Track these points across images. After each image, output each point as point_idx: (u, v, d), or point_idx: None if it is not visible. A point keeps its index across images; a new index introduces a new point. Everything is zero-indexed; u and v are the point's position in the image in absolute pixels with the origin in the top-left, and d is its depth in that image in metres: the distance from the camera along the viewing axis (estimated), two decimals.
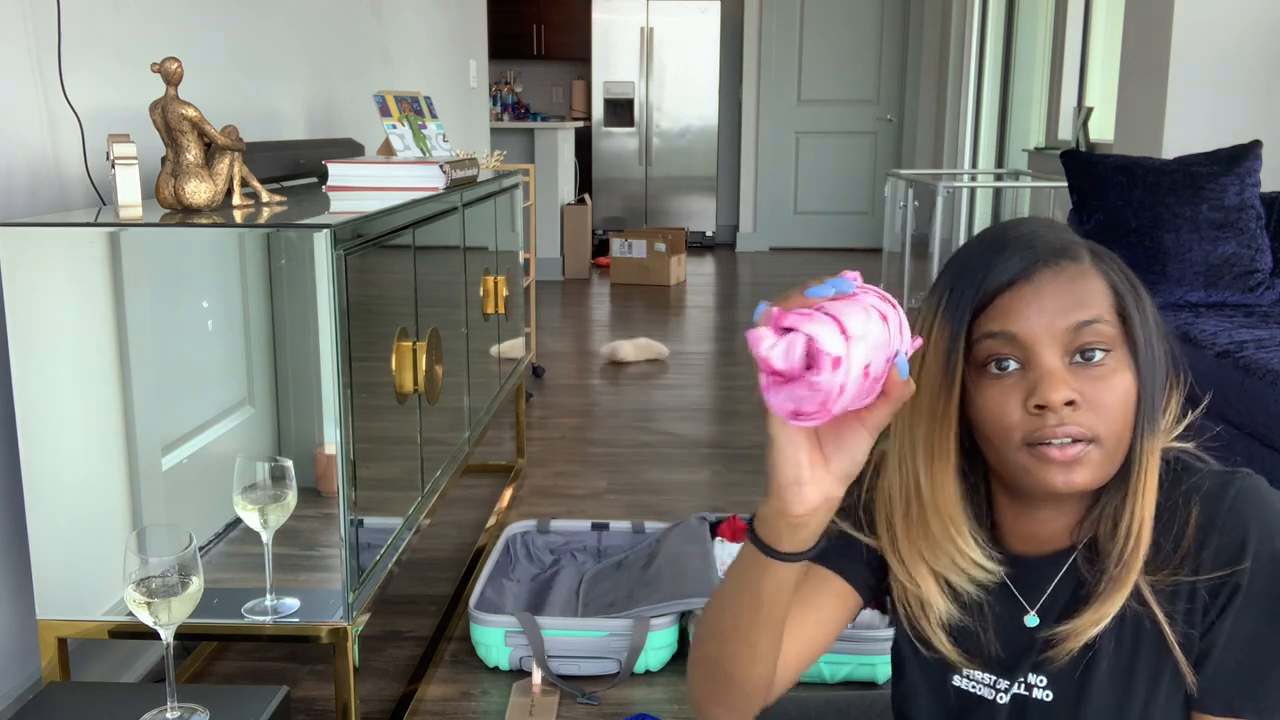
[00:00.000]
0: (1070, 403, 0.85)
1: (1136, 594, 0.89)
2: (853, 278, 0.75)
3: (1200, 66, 3.87)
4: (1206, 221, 3.05)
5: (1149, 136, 4.02)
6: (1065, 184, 3.39)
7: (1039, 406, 0.85)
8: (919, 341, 0.78)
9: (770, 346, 0.70)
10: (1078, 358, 0.87)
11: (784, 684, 0.96)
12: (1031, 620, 0.94)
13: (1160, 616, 0.89)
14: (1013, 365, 0.87)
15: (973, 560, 0.92)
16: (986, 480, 0.96)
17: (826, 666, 1.99)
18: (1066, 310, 0.86)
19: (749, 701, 0.93)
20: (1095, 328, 0.86)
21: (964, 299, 0.89)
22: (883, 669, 1.98)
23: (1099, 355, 0.86)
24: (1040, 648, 0.92)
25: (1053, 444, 0.85)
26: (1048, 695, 0.94)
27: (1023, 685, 0.95)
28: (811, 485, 0.78)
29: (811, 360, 0.69)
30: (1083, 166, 3.26)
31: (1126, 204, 3.10)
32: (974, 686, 0.97)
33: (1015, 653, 0.94)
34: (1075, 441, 0.85)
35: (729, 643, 0.90)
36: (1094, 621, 0.89)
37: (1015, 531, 0.96)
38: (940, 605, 0.94)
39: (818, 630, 0.98)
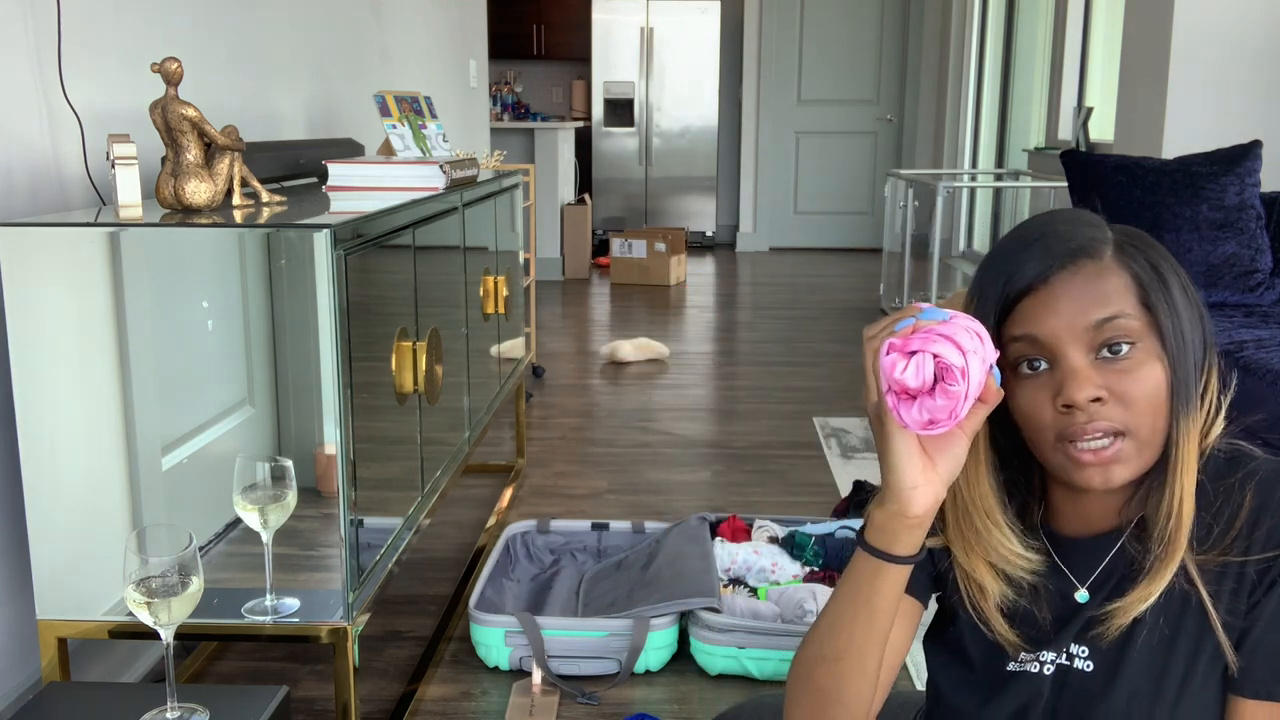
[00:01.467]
0: (1097, 399, 0.88)
1: (1184, 572, 0.91)
2: (928, 307, 0.85)
3: (1200, 66, 3.87)
4: (1206, 221, 3.05)
5: (1149, 136, 4.02)
6: (1065, 184, 3.39)
7: (1066, 406, 0.89)
8: (998, 352, 0.86)
9: (903, 370, 0.82)
10: (1104, 353, 0.89)
11: (879, 704, 0.99)
12: (1083, 596, 0.97)
13: (1205, 595, 0.90)
14: (1042, 365, 0.91)
15: (1012, 550, 0.95)
16: (1041, 466, 0.98)
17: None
18: (1086, 309, 0.89)
19: None
20: (1117, 323, 0.89)
21: (988, 304, 0.93)
22: None
23: (1124, 349, 0.89)
24: (1090, 624, 0.95)
25: (1086, 442, 0.89)
26: (1088, 665, 0.96)
27: (1065, 655, 0.97)
28: (925, 487, 0.86)
29: (940, 375, 0.81)
30: (1083, 166, 3.26)
31: (1126, 204, 3.10)
32: (1023, 664, 0.99)
33: (1063, 626, 0.97)
34: (1107, 436, 0.89)
35: (843, 662, 0.94)
36: (1142, 598, 0.91)
37: (1066, 514, 0.99)
38: (994, 588, 0.97)
39: (898, 646, 1.01)
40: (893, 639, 0.98)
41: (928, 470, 0.86)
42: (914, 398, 0.82)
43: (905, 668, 2.01)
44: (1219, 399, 0.95)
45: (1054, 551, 0.98)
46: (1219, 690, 0.92)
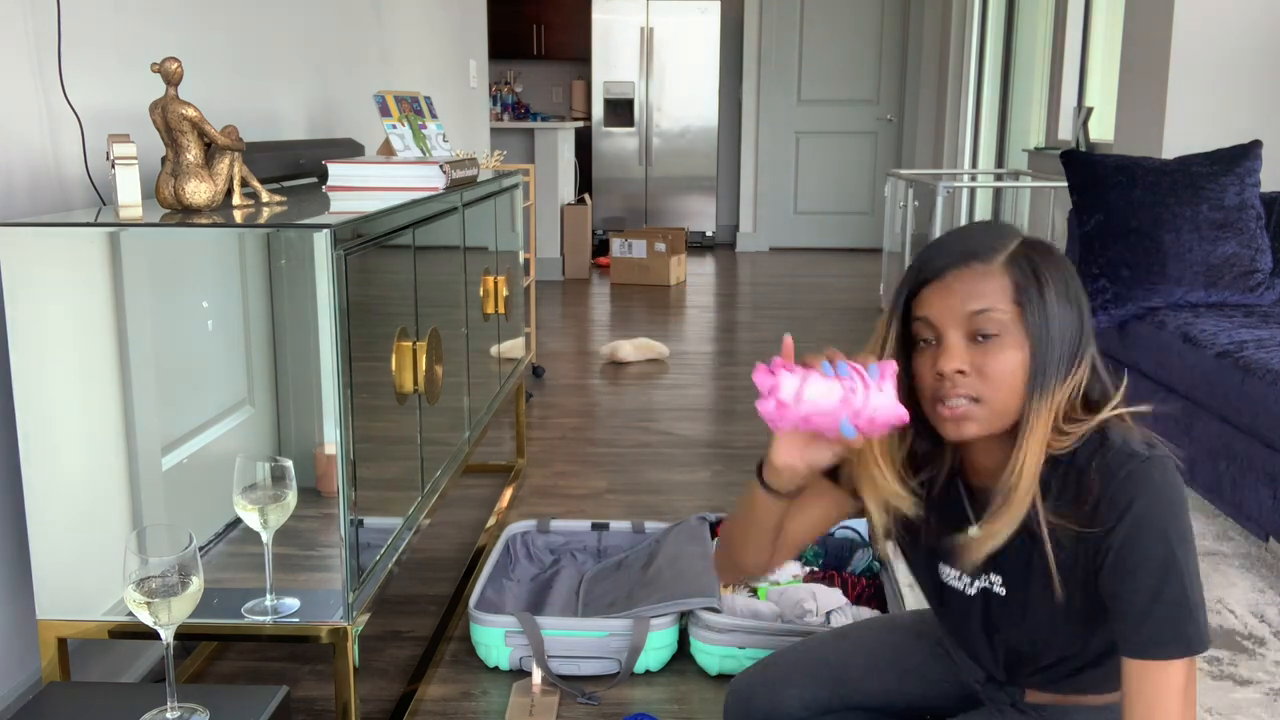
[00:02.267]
0: (960, 371, 1.15)
1: (1034, 522, 1.17)
2: (853, 368, 1.11)
3: (1200, 66, 3.87)
4: (1206, 221, 3.05)
5: (1149, 136, 4.02)
6: (1065, 184, 3.39)
7: (939, 374, 1.16)
8: (872, 416, 1.11)
9: (758, 374, 1.13)
10: (977, 337, 1.15)
11: (780, 562, 1.37)
12: (974, 531, 1.24)
13: (1047, 545, 1.17)
14: (932, 341, 1.18)
15: (890, 489, 1.23)
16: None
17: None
18: (965, 301, 1.15)
19: (750, 574, 1.39)
20: (988, 315, 1.14)
21: (902, 289, 1.22)
22: None
23: (991, 336, 1.14)
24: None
25: (949, 403, 1.15)
26: (1003, 590, 1.26)
27: (985, 580, 1.27)
28: (788, 463, 1.20)
29: (767, 392, 1.12)
30: (1083, 166, 3.26)
31: (1126, 204, 3.10)
32: (950, 579, 1.31)
33: (964, 552, 1.24)
34: (965, 399, 1.15)
35: (737, 544, 1.34)
36: (989, 535, 1.18)
37: (972, 468, 1.27)
38: (879, 518, 1.27)
39: (814, 522, 1.36)
40: (810, 518, 1.35)
41: (791, 454, 1.19)
42: (768, 398, 1.12)
43: None
44: (1094, 387, 1.18)
45: (965, 496, 1.27)
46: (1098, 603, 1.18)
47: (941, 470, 1.29)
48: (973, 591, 1.29)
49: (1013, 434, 1.17)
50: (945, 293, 1.16)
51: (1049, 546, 1.16)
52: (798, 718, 1.48)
